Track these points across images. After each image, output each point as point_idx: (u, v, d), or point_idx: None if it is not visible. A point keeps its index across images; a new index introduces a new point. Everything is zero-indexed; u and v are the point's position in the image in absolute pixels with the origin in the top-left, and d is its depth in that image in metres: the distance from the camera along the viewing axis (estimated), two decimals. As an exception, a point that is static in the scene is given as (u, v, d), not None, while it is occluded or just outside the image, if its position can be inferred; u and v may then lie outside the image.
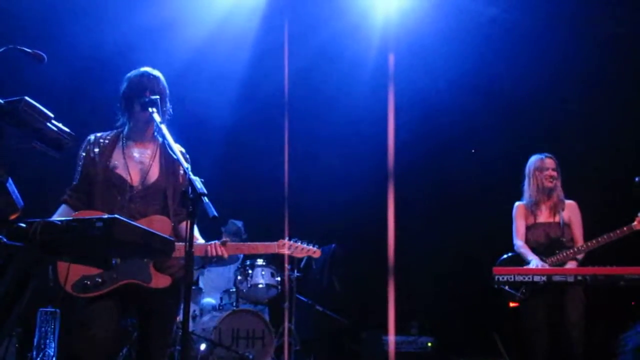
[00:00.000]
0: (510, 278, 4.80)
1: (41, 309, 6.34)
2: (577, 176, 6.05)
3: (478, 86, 7.69)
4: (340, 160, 8.54)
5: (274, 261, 7.30)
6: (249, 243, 3.80)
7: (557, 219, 5.30)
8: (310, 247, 4.05)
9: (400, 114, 7.37)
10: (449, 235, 8.17)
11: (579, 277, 4.71)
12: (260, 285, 6.93)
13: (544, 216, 5.35)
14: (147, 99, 3.41)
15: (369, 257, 8.49)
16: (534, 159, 5.44)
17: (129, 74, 3.64)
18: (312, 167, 8.49)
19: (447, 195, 8.40)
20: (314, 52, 7.73)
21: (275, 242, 3.87)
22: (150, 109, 3.34)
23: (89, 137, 3.64)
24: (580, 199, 5.46)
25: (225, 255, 3.59)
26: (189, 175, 2.88)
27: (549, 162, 5.34)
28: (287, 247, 3.91)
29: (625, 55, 6.98)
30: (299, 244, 3.98)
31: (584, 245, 5.09)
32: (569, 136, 7.36)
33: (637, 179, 4.95)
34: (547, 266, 5.03)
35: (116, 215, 2.48)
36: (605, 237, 4.97)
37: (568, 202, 5.39)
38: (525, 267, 5.04)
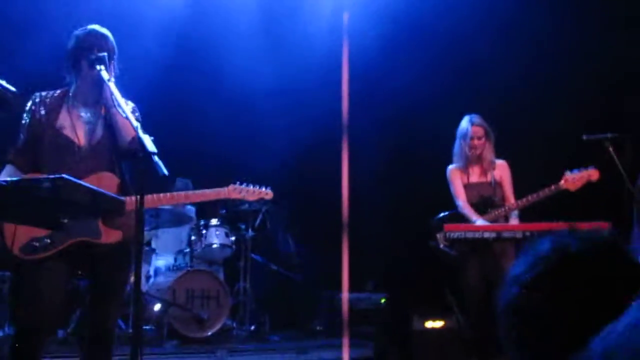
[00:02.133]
0: (461, 235, 4.89)
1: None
2: (513, 136, 6.16)
3: (434, 42, 7.74)
4: (293, 116, 8.53)
5: (228, 221, 7.30)
6: (198, 191, 3.75)
7: (488, 178, 5.41)
8: (262, 189, 4.01)
9: (354, 68, 7.37)
10: (404, 194, 8.24)
11: (527, 233, 4.83)
12: (214, 245, 6.93)
13: (475, 176, 5.45)
14: (94, 57, 3.33)
15: (324, 215, 8.54)
16: (461, 125, 5.48)
17: (75, 32, 3.56)
18: (263, 123, 8.47)
19: (402, 152, 8.45)
20: (270, 6, 7.66)
21: (225, 188, 3.84)
22: (98, 67, 3.27)
23: (33, 96, 3.54)
24: (516, 159, 5.57)
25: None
26: (138, 134, 2.84)
27: (474, 131, 5.38)
28: (237, 191, 3.88)
29: (576, 14, 7.08)
30: (250, 187, 3.95)
31: (515, 204, 5.21)
32: (509, 96, 7.46)
33: (584, 137, 5.05)
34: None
35: (64, 175, 2.44)
36: (534, 195, 5.06)
37: (499, 162, 5.48)
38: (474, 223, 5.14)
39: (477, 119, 5.43)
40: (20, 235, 3.12)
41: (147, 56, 7.05)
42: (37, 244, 3.15)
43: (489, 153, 5.42)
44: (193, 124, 8.42)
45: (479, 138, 5.38)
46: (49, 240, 3.16)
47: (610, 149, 4.93)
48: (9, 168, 3.42)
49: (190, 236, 7.06)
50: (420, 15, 7.53)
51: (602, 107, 6.82)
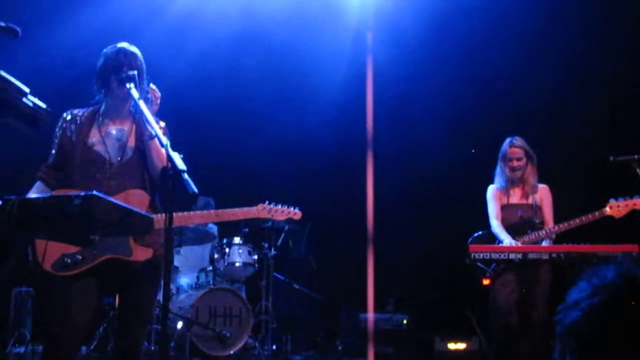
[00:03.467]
0: (486, 255, 4.87)
1: (15, 289, 6.29)
2: (552, 160, 6.12)
3: (457, 63, 7.73)
4: (318, 135, 8.55)
5: (251, 239, 7.30)
6: (228, 209, 3.77)
7: (529, 200, 5.39)
8: (290, 209, 4.04)
9: (380, 86, 7.39)
10: (426, 214, 8.21)
11: (553, 255, 4.81)
12: (237, 264, 6.92)
13: (516, 197, 5.43)
14: (124, 75, 3.36)
15: (346, 235, 8.52)
16: (503, 146, 5.48)
17: (105, 50, 3.60)
18: (287, 142, 8.49)
19: (425, 173, 8.43)
20: (296, 26, 7.70)
21: (255, 207, 3.87)
22: (127, 85, 3.30)
23: (64, 114, 3.59)
24: (555, 183, 5.53)
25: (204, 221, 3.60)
26: (168, 151, 2.85)
27: (513, 152, 5.39)
28: (267, 210, 3.91)
29: (601, 38, 7.04)
30: (279, 206, 3.98)
31: (556, 227, 5.16)
32: (545, 120, 7.42)
33: (611, 158, 5.03)
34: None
35: (94, 192, 2.46)
36: (577, 220, 5.04)
37: (541, 185, 5.47)
38: (500, 244, 5.11)
39: (517, 140, 5.43)
40: (52, 251, 3.14)
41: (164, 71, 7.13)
42: (69, 260, 3.17)
43: (531, 176, 5.42)
44: (212, 142, 8.46)
45: (519, 159, 5.37)
46: (80, 257, 3.18)
47: (638, 170, 4.91)
48: (39, 185, 3.46)
49: (212, 254, 7.06)
50: (447, 36, 7.55)
51: (632, 128, 6.77)
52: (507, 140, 5.47)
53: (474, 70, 7.74)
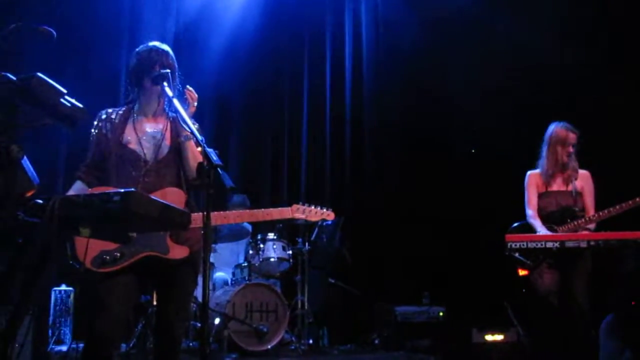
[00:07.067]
0: (523, 245, 4.79)
1: (55, 288, 6.38)
2: (592, 146, 6.03)
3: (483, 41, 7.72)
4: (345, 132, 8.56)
5: (285, 235, 7.32)
6: (263, 209, 3.80)
7: (569, 187, 5.25)
8: (324, 210, 4.07)
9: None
10: (460, 204, 8.15)
11: (592, 242, 4.69)
12: (272, 259, 6.96)
13: (556, 185, 5.29)
14: (157, 73, 3.40)
15: (379, 228, 8.51)
16: (557, 130, 5.30)
17: (137, 49, 3.64)
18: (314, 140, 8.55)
19: (456, 164, 8.37)
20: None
21: (289, 207, 3.90)
22: (161, 83, 3.34)
23: (99, 114, 3.64)
24: (594, 169, 5.44)
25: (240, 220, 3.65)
26: (205, 147, 2.88)
27: (572, 138, 5.24)
28: (301, 211, 3.94)
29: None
30: (313, 207, 4.01)
31: (596, 215, 5.06)
32: (584, 105, 7.29)
33: None
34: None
35: (134, 189, 2.49)
36: (617, 207, 4.94)
37: (581, 171, 5.32)
38: (537, 233, 5.04)
39: (571, 126, 5.31)
40: (91, 248, 3.18)
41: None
42: (107, 257, 3.21)
43: (573, 161, 5.29)
44: (242, 138, 8.54)
45: (574, 146, 5.26)
46: (118, 254, 3.22)
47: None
48: (78, 184, 3.51)
49: (247, 250, 7.11)
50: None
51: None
52: (563, 125, 5.30)
53: (507, 47, 7.67)
